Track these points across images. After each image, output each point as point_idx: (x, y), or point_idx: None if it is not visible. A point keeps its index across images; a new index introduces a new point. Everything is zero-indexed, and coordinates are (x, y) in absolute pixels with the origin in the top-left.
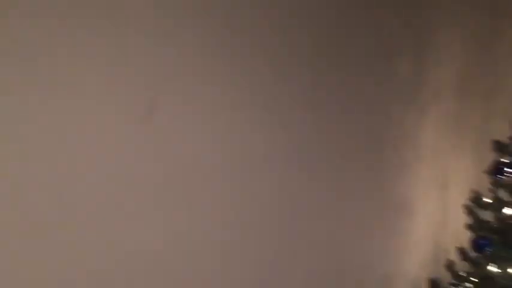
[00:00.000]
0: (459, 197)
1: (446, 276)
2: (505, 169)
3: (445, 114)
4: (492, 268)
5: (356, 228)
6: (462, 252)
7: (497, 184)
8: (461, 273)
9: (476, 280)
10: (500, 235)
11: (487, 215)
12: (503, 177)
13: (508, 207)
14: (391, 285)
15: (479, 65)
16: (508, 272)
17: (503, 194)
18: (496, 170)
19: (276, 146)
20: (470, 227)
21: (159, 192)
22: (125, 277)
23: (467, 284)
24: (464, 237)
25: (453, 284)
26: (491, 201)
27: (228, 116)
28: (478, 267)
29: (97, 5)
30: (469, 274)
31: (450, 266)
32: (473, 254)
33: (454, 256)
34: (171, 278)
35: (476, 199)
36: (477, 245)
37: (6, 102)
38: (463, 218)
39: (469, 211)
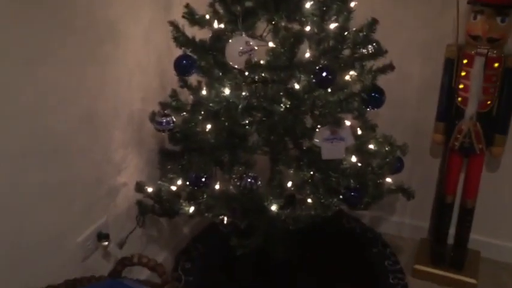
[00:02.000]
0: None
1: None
2: None
3: None
4: (205, 92)
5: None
6: (182, 79)
7: None
8: (175, 103)
9: (188, 108)
10: (212, 53)
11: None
12: None
13: (220, 22)
14: (102, 119)
15: None
16: (219, 95)
17: (219, 7)
18: None
19: None
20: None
21: None
22: None
23: (185, 114)
24: None
25: (165, 115)
26: (207, 16)
27: None
28: (193, 92)
29: None
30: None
31: (172, 96)
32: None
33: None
34: None
35: (189, 14)
36: (180, 66)
37: None
38: None
39: (176, 29)
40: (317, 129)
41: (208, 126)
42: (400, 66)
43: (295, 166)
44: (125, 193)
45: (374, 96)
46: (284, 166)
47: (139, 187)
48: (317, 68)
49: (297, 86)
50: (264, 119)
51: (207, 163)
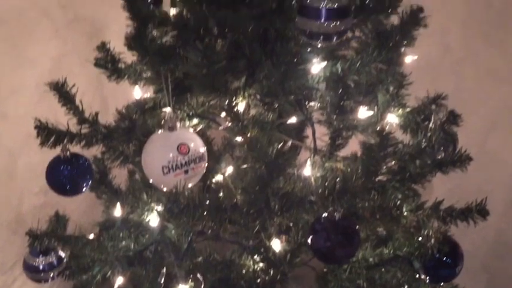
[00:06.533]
0: None
1: None
2: None
3: None
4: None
5: None
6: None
7: None
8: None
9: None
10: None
11: None
12: None
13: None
14: None
15: None
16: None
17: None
18: None
19: None
20: None
21: None
22: None
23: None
24: None
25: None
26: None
27: None
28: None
29: None
30: None
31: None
32: None
33: None
34: None
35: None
36: (53, 180)
37: None
38: None
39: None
40: None
41: (117, 283)
42: (484, 144)
43: None
44: None
45: (441, 263)
46: None
47: None
48: (318, 219)
49: (276, 247)
50: None
51: None
